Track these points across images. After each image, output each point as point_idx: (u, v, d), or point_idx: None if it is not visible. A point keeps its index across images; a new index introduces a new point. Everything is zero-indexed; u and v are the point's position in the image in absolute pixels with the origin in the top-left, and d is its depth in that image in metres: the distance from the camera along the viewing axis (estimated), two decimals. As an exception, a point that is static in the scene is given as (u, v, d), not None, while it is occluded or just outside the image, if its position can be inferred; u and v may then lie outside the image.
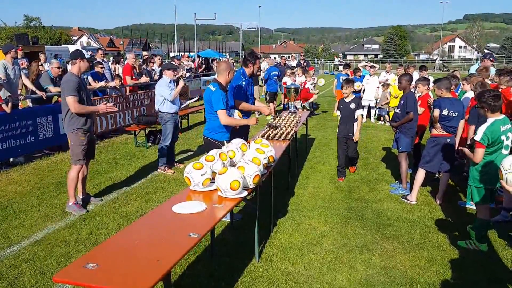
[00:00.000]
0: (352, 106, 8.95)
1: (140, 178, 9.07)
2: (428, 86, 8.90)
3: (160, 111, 9.50)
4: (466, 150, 5.97)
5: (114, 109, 7.35)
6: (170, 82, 9.49)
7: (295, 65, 21.13)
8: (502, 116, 5.69)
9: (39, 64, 12.17)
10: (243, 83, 7.37)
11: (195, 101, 15.65)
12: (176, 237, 3.63)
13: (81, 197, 7.37)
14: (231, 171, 4.65)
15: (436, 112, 7.37)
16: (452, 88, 8.68)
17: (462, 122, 7.69)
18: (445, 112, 7.35)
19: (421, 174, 7.70)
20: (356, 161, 9.95)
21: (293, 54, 25.41)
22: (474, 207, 6.60)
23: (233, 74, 6.81)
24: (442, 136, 7.53)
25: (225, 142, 5.97)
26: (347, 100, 9.06)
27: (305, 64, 21.36)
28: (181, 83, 9.92)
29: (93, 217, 6.91)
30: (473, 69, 13.01)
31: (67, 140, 7.12)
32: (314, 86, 18.21)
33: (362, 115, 8.30)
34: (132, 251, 3.38)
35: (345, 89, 8.99)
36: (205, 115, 6.79)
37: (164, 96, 9.32)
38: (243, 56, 9.03)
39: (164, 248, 3.41)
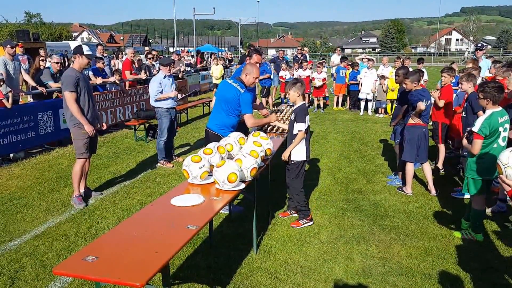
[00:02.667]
0: (292, 116, 6.39)
1: (140, 172, 9.13)
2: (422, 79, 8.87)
3: (154, 106, 9.53)
4: (464, 141, 6.00)
5: (91, 134, 7.25)
6: (164, 77, 9.42)
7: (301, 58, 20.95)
8: (500, 108, 5.72)
9: (40, 59, 12.19)
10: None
11: (190, 94, 15.66)
12: (175, 229, 3.69)
13: (82, 191, 7.43)
14: (228, 164, 4.71)
15: (422, 106, 7.37)
16: (451, 80, 8.76)
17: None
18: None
19: (408, 166, 7.76)
20: (298, 209, 6.62)
21: (298, 48, 25.28)
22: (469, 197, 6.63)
23: (255, 82, 6.75)
24: (417, 125, 7.62)
25: None
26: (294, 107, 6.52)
27: (302, 58, 21.31)
28: (173, 93, 9.52)
29: (93, 211, 6.98)
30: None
31: (67, 135, 7.16)
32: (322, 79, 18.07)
33: (302, 131, 6.17)
34: (131, 243, 3.44)
35: (288, 90, 6.45)
36: (214, 109, 6.74)
37: (150, 93, 9.40)
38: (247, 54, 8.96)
39: (162, 240, 3.47)
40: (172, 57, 19.35)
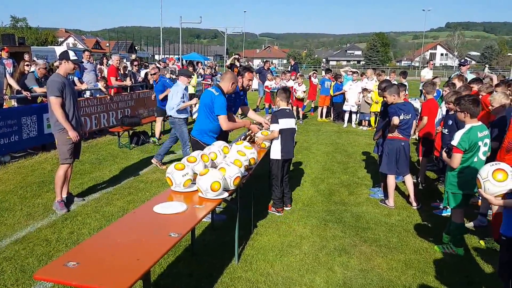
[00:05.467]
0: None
1: (123, 179, 9.08)
2: (405, 92, 8.93)
3: (171, 116, 9.70)
4: (444, 155, 6.03)
5: (75, 140, 7.20)
6: (185, 89, 9.82)
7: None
8: (479, 122, 5.77)
9: (25, 64, 12.12)
10: (233, 95, 7.37)
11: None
12: (157, 237, 3.69)
13: (64, 196, 7.39)
14: (212, 172, 4.73)
15: (396, 120, 7.44)
16: (433, 93, 8.86)
17: (414, 122, 7.96)
18: (401, 118, 7.48)
19: (389, 179, 7.81)
20: (273, 200, 7.57)
21: (291, 60, 25.87)
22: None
23: (236, 87, 6.87)
24: (397, 138, 7.67)
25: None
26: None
27: (292, 68, 21.60)
28: (194, 100, 10.30)
29: (75, 217, 6.93)
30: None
31: (51, 140, 7.12)
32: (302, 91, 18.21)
33: (274, 130, 7.06)
34: (112, 250, 3.43)
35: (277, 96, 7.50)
36: (197, 116, 6.86)
37: (171, 103, 9.60)
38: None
39: (144, 248, 3.46)
40: (158, 65, 19.35)
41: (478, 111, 5.73)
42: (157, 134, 13.00)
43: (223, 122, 6.43)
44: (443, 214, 7.49)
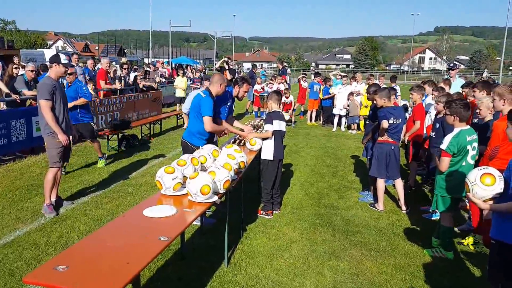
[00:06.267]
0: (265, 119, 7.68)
1: (112, 183, 9.04)
2: (395, 97, 8.98)
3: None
4: (435, 158, 6.07)
5: (65, 143, 7.08)
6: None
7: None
8: (468, 126, 5.80)
9: (14, 67, 12.06)
10: (228, 103, 7.36)
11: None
12: (146, 241, 3.68)
13: (53, 200, 7.34)
14: (201, 176, 4.72)
15: (385, 124, 7.44)
16: (421, 97, 8.89)
17: (404, 126, 8.06)
18: (390, 121, 7.50)
19: (379, 183, 7.83)
20: (263, 202, 7.63)
21: (278, 64, 25.77)
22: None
23: (225, 88, 6.84)
24: (386, 142, 7.69)
25: (200, 147, 6.07)
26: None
27: (281, 72, 21.60)
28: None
29: (64, 220, 6.89)
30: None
31: (39, 143, 7.09)
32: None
33: (268, 131, 7.20)
34: (102, 253, 3.42)
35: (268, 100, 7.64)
36: (189, 119, 6.88)
37: (185, 106, 9.39)
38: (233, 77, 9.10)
39: (134, 251, 3.46)
40: (147, 68, 19.35)
41: (467, 115, 5.76)
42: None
43: (207, 123, 6.42)
44: (432, 218, 7.49)
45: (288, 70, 24.68)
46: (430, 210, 7.54)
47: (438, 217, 6.75)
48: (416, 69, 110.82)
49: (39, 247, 5.91)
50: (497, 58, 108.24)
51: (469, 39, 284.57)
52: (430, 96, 9.64)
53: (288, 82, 20.40)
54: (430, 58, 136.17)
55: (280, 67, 23.73)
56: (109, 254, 3.41)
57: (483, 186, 4.14)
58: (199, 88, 9.02)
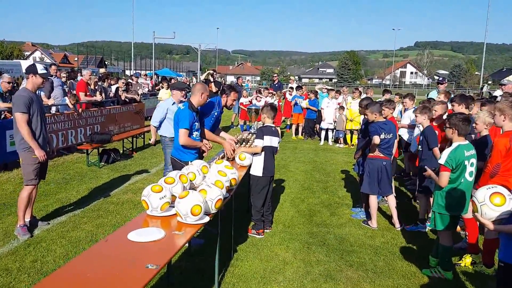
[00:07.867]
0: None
1: (92, 201, 8.62)
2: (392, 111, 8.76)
3: (160, 135, 8.85)
4: (431, 172, 5.95)
5: (42, 159, 6.68)
6: (173, 104, 8.55)
7: (294, 86, 20.96)
8: (467, 141, 5.73)
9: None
10: (216, 113, 7.20)
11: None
12: (133, 269, 3.34)
13: (27, 220, 6.91)
14: (192, 195, 4.39)
15: (377, 140, 7.35)
16: (391, 112, 8.67)
17: (395, 141, 8.00)
18: (382, 137, 7.41)
19: (371, 199, 7.66)
20: (253, 221, 7.26)
21: (292, 78, 25.69)
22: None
23: (207, 97, 6.56)
24: (378, 158, 7.59)
25: (189, 162, 5.81)
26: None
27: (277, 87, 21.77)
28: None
29: (38, 243, 6.47)
30: (432, 94, 13.29)
31: (13, 159, 6.69)
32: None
33: (257, 146, 6.95)
34: (82, 285, 3.08)
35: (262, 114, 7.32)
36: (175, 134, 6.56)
37: (153, 119, 8.86)
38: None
39: (119, 282, 3.13)
40: (129, 80, 18.99)
41: (467, 130, 5.72)
42: None
43: (181, 136, 6.15)
44: (417, 230, 7.49)
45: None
46: (428, 229, 7.43)
47: (425, 229, 7.01)
48: (398, 83, 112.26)
49: (11, 273, 5.49)
50: (476, 73, 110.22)
51: (448, 54, 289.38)
52: (411, 110, 9.83)
53: (285, 97, 20.26)
54: (411, 73, 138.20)
55: (276, 80, 23.61)
56: (91, 286, 3.07)
57: (492, 206, 4.01)
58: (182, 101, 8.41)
